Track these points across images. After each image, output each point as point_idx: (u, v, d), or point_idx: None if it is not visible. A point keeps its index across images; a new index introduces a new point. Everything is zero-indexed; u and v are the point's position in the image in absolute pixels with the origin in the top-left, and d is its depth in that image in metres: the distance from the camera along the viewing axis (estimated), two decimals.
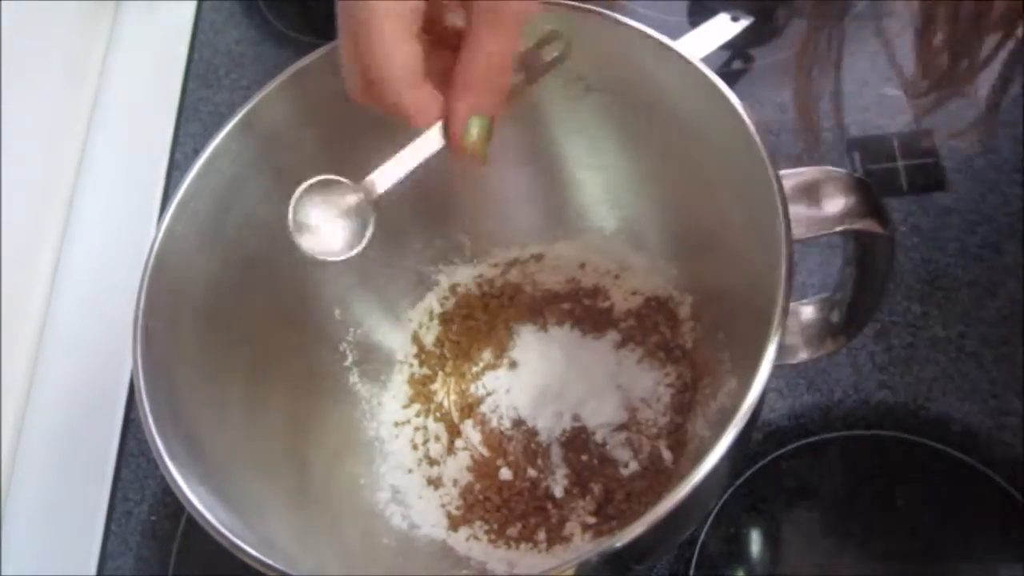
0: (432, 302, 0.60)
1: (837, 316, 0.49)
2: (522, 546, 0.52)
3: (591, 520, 0.52)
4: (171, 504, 0.60)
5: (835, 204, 0.41)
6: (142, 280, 0.45)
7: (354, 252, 0.41)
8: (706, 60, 0.51)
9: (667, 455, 0.53)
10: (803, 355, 0.51)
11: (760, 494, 0.54)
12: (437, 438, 0.57)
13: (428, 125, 0.39)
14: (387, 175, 0.41)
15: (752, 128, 0.42)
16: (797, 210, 0.40)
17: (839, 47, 0.68)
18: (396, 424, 0.57)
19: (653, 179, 0.54)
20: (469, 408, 0.57)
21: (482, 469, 0.55)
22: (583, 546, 0.52)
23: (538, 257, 0.61)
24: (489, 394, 0.57)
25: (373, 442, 0.56)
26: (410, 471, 0.56)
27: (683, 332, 0.56)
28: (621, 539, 0.35)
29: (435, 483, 0.55)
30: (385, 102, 0.38)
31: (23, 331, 0.68)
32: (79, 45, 0.79)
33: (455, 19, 0.38)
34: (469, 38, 0.37)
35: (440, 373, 0.59)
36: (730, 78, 0.69)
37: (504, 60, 0.37)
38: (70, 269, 0.71)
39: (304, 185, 0.41)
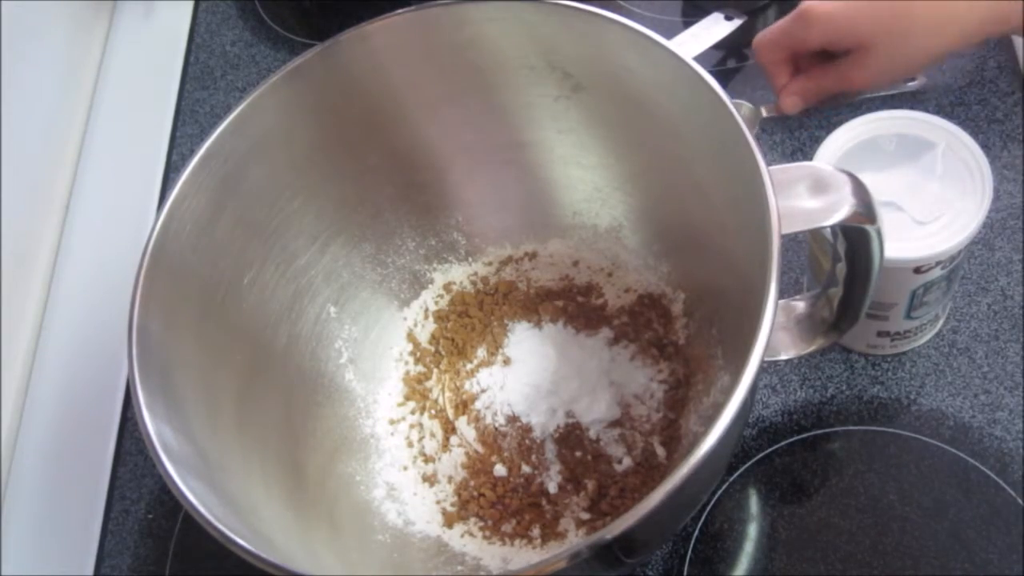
0: (427, 300, 0.61)
1: (829, 312, 0.49)
2: (517, 542, 0.53)
3: (585, 516, 0.53)
4: (168, 502, 0.60)
5: (825, 199, 0.41)
6: (137, 279, 0.45)
7: None
8: (700, 59, 0.51)
9: (660, 451, 0.53)
10: (796, 350, 0.51)
11: (754, 490, 0.55)
12: (432, 435, 0.57)
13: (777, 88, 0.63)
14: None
15: (743, 125, 0.42)
16: (787, 205, 0.40)
17: None
18: (391, 421, 0.58)
19: (644, 176, 0.55)
20: (464, 405, 0.57)
21: (477, 466, 0.55)
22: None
23: (532, 255, 0.61)
24: (483, 391, 0.57)
25: (368, 439, 0.57)
26: (405, 468, 0.56)
27: (676, 329, 0.57)
28: (611, 531, 0.36)
29: (430, 480, 0.55)
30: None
31: (21, 331, 0.68)
32: (76, 47, 0.80)
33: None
34: (823, 74, 0.61)
35: (435, 370, 0.59)
36: (724, 76, 0.69)
37: (824, 95, 0.63)
38: (67, 270, 0.71)
39: None
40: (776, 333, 0.51)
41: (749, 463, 0.55)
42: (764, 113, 0.65)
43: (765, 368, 0.57)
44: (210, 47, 0.81)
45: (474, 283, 0.61)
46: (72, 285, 0.70)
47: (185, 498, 0.40)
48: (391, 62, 0.52)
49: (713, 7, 0.69)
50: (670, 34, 0.66)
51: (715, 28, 0.68)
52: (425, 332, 0.60)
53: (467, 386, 0.57)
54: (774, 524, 0.53)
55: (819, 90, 0.62)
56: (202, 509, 0.39)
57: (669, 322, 0.57)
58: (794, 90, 0.63)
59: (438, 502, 0.55)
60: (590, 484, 0.53)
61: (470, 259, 0.61)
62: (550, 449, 0.55)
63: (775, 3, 0.71)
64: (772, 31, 0.60)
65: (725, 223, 0.47)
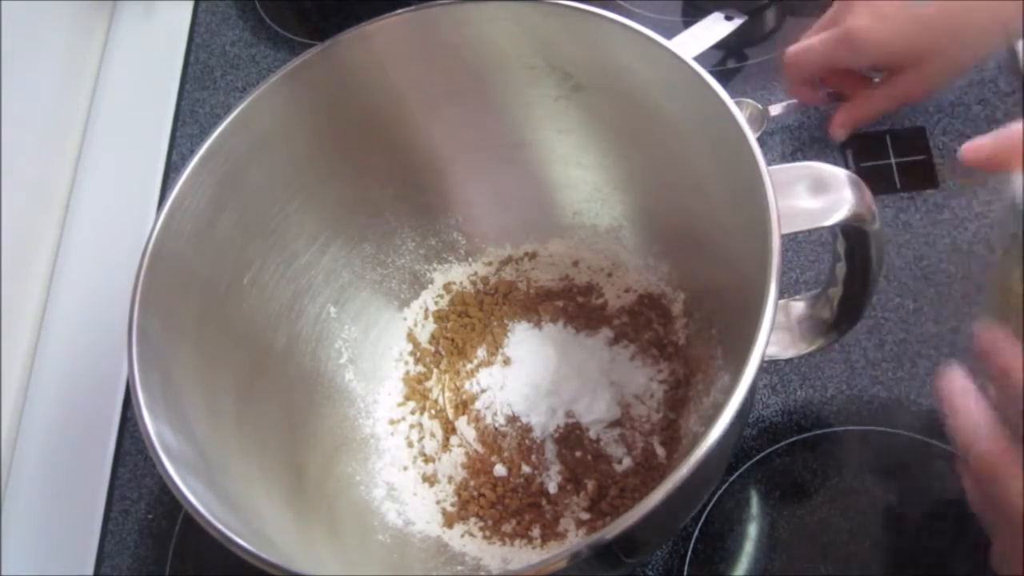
0: (427, 300, 0.61)
1: (829, 312, 0.49)
2: (517, 542, 0.53)
3: (585, 516, 0.53)
4: (168, 502, 0.60)
5: (824, 199, 0.41)
6: (137, 279, 0.45)
7: None
8: (700, 59, 0.51)
9: (660, 451, 0.53)
10: (796, 351, 0.51)
11: (754, 490, 0.55)
12: (432, 435, 0.57)
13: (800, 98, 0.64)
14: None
15: (743, 125, 0.42)
16: (787, 205, 0.40)
17: None
18: (391, 422, 0.58)
19: (645, 177, 0.55)
20: (464, 405, 0.57)
21: (477, 466, 0.55)
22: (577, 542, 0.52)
23: (532, 255, 0.61)
24: (483, 391, 0.57)
25: (368, 440, 0.57)
26: (405, 468, 0.56)
27: (676, 328, 0.57)
28: (611, 531, 0.36)
29: (430, 480, 0.55)
30: None
31: (21, 331, 0.68)
32: (76, 47, 0.80)
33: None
34: (875, 96, 0.60)
35: (435, 370, 0.59)
36: (724, 76, 0.69)
37: (877, 115, 0.61)
38: (67, 270, 0.71)
39: None
40: (776, 333, 0.51)
41: (749, 463, 0.55)
42: (772, 112, 0.65)
43: (765, 368, 0.57)
44: (210, 47, 0.81)
45: (474, 283, 0.61)
46: (72, 285, 0.70)
47: (185, 498, 0.40)
48: (391, 62, 0.52)
49: (713, 7, 0.69)
50: (670, 34, 0.65)
51: (715, 28, 0.68)
52: (425, 332, 0.60)
53: (467, 386, 0.57)
54: (774, 524, 0.53)
55: (873, 113, 0.60)
56: (202, 509, 0.39)
57: (669, 322, 0.57)
58: (845, 121, 0.61)
59: (438, 502, 0.55)
60: (590, 484, 0.53)
61: (470, 259, 0.61)
62: (550, 449, 0.55)
63: (775, 3, 0.71)
64: (810, 53, 0.58)
65: (725, 223, 0.47)
